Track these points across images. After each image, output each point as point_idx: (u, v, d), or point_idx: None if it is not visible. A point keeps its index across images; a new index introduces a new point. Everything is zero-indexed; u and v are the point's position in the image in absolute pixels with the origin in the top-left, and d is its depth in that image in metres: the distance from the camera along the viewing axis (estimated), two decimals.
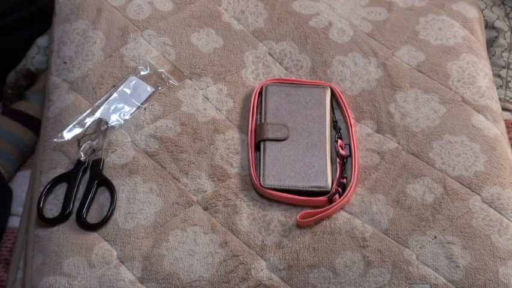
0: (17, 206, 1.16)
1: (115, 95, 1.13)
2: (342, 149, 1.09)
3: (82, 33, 1.20)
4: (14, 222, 1.15)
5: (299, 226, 1.02)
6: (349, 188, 1.05)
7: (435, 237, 1.02)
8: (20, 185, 1.20)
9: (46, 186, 1.05)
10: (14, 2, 1.36)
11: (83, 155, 1.07)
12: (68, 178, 1.06)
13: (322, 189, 1.05)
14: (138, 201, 1.04)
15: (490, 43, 1.36)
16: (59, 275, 0.98)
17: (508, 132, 1.19)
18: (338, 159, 1.08)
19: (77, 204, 1.03)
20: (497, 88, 1.29)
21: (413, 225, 1.03)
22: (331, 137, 1.11)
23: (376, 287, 0.98)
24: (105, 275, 0.98)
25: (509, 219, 1.04)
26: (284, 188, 1.05)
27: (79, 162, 1.07)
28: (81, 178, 1.06)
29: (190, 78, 1.16)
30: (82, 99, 1.14)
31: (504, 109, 1.26)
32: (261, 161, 1.07)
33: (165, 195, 1.04)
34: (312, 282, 0.99)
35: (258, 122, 1.12)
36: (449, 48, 1.21)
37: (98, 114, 1.11)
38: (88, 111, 1.12)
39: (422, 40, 1.22)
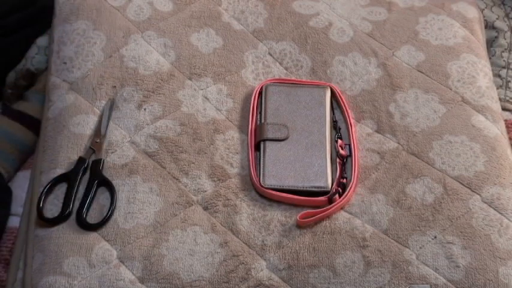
0: (17, 206, 1.16)
1: None
2: (342, 149, 1.09)
3: (82, 34, 1.20)
4: (14, 222, 1.15)
5: (299, 226, 1.02)
6: (349, 188, 1.05)
7: (435, 237, 1.02)
8: (20, 185, 1.20)
9: (46, 186, 1.05)
10: (14, 2, 1.36)
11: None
12: (68, 178, 1.06)
13: (322, 189, 1.05)
14: (138, 201, 1.04)
15: (490, 43, 1.36)
16: (59, 274, 0.98)
17: (508, 132, 1.19)
18: (338, 159, 1.08)
19: (77, 204, 1.03)
20: (497, 88, 1.29)
21: (413, 225, 1.03)
22: (331, 137, 1.11)
23: (376, 287, 0.98)
24: (105, 275, 0.98)
25: (509, 219, 1.04)
26: (284, 188, 1.05)
27: (79, 162, 1.06)
28: (81, 178, 1.06)
29: (190, 79, 1.16)
30: (82, 99, 1.14)
31: (504, 109, 1.26)
32: (261, 161, 1.07)
33: (165, 195, 1.04)
34: (312, 282, 0.99)
35: (258, 122, 1.12)
36: (449, 48, 1.21)
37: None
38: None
39: (422, 40, 1.22)
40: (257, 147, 1.09)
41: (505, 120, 1.21)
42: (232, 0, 1.26)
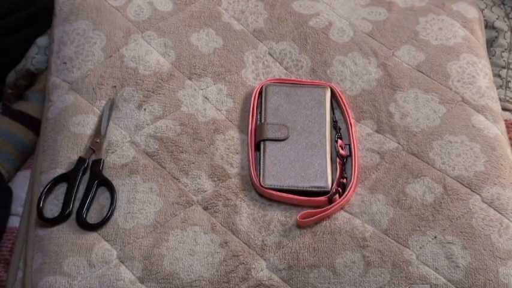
0: (17, 206, 1.16)
1: None
2: (342, 149, 1.09)
3: (82, 34, 1.20)
4: (14, 222, 1.15)
5: (299, 226, 1.02)
6: (349, 188, 1.05)
7: (435, 237, 1.02)
8: (20, 185, 1.20)
9: (46, 186, 1.05)
10: (14, 2, 1.36)
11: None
12: (68, 178, 1.06)
13: (322, 189, 1.05)
14: (138, 201, 1.04)
15: (490, 43, 1.36)
16: (59, 274, 0.98)
17: (508, 132, 1.19)
18: (338, 159, 1.08)
19: (77, 204, 1.03)
20: (497, 88, 1.29)
21: (413, 225, 1.03)
22: (331, 137, 1.11)
23: (376, 287, 0.98)
24: (105, 275, 0.98)
25: (509, 219, 1.04)
26: (284, 188, 1.05)
27: (79, 162, 1.06)
28: (81, 178, 1.06)
29: (190, 79, 1.16)
30: (82, 99, 1.14)
31: (504, 109, 1.26)
32: (261, 161, 1.07)
33: (165, 195, 1.04)
34: (312, 282, 0.99)
35: (258, 122, 1.12)
36: (449, 48, 1.21)
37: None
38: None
39: (422, 40, 1.22)
40: (257, 147, 1.09)
41: (505, 120, 1.21)
42: (232, 0, 1.26)
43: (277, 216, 1.03)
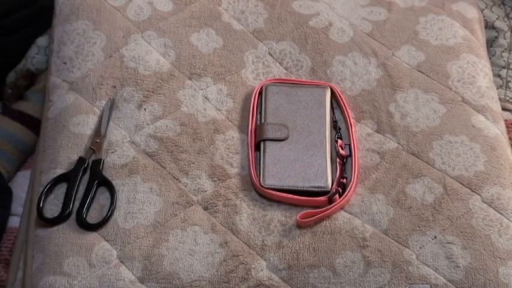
0: (17, 206, 1.16)
1: None
2: (342, 149, 1.09)
3: (82, 34, 1.20)
4: (14, 222, 1.15)
5: (299, 226, 1.02)
6: (349, 188, 1.05)
7: (435, 237, 1.02)
8: (20, 185, 1.20)
9: (46, 186, 1.05)
10: (14, 2, 1.36)
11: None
12: (68, 178, 1.06)
13: (322, 189, 1.05)
14: (138, 201, 1.04)
15: (490, 43, 1.36)
16: (59, 274, 0.98)
17: (508, 132, 1.19)
18: (338, 159, 1.08)
19: (77, 204, 1.03)
20: (497, 88, 1.29)
21: (413, 225, 1.03)
22: (331, 137, 1.11)
23: (376, 287, 0.98)
24: (105, 275, 0.98)
25: (509, 219, 1.04)
26: (284, 188, 1.05)
27: (79, 162, 1.06)
28: (81, 178, 1.06)
29: (190, 79, 1.16)
30: (82, 99, 1.14)
31: (504, 109, 1.26)
32: (261, 161, 1.07)
33: (165, 195, 1.04)
34: (312, 282, 0.99)
35: (258, 122, 1.12)
36: (449, 48, 1.21)
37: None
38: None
39: (422, 40, 1.22)
40: (257, 147, 1.09)
41: (505, 120, 1.21)
42: (232, 0, 1.26)
43: (277, 216, 1.03)
